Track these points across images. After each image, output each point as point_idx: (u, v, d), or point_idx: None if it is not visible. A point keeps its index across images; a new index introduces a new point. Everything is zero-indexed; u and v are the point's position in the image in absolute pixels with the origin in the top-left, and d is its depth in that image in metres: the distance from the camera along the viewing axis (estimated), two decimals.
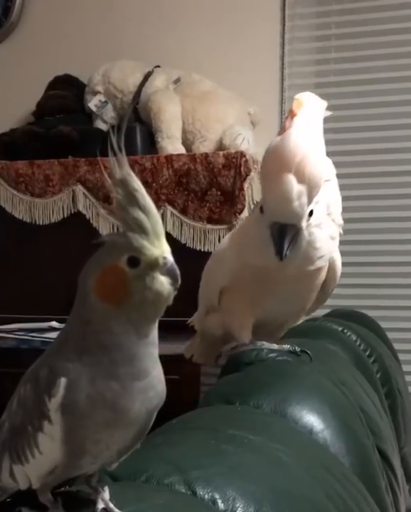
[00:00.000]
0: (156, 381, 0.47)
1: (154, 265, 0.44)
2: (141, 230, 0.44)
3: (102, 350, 0.45)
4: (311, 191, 0.86)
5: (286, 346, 1.02)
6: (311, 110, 0.90)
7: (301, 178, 0.85)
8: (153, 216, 0.45)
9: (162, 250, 0.44)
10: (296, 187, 0.85)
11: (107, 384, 0.44)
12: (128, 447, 0.49)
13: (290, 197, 0.85)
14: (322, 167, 0.88)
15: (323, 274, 1.00)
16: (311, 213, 0.89)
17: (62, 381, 0.45)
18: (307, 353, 1.02)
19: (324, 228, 0.93)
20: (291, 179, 0.85)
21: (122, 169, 0.45)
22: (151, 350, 0.46)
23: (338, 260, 1.03)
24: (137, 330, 0.45)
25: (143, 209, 0.45)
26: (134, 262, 0.43)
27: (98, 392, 0.44)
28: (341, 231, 1.01)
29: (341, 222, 1.00)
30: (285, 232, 0.87)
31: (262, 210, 0.90)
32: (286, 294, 0.98)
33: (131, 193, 0.45)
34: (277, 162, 0.86)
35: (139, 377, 0.45)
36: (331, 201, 0.96)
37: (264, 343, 1.01)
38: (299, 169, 0.85)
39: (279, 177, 0.85)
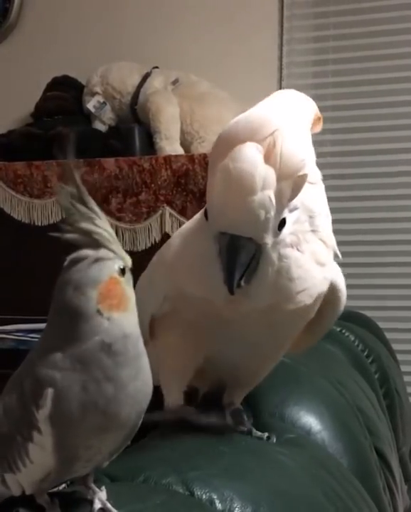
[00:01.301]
0: (147, 378, 0.48)
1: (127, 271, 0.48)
2: (114, 241, 0.47)
3: (108, 355, 0.45)
4: (284, 184, 0.57)
5: (219, 420, 0.70)
6: (293, 97, 0.64)
7: (269, 157, 0.56)
8: (109, 225, 0.48)
9: (128, 257, 0.48)
10: (259, 169, 0.56)
11: (100, 388, 0.44)
12: (119, 448, 0.49)
13: (248, 186, 0.56)
14: (304, 150, 0.59)
15: (310, 312, 0.68)
16: (283, 223, 0.59)
17: (49, 392, 0.45)
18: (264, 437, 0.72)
19: (306, 249, 0.63)
20: (253, 156, 0.56)
21: (78, 187, 0.47)
22: (144, 348, 0.48)
23: (342, 284, 0.71)
24: (138, 328, 0.47)
25: (104, 220, 0.47)
26: (123, 270, 0.47)
27: (91, 399, 0.44)
28: (338, 253, 0.70)
29: (333, 243, 0.69)
30: (238, 250, 0.58)
31: (206, 215, 0.62)
32: (249, 338, 0.66)
33: (92, 208, 0.47)
34: (232, 135, 0.58)
35: (136, 377, 0.46)
36: (316, 212, 0.65)
37: (193, 415, 0.69)
38: (269, 144, 0.57)
39: (234, 154, 0.57)
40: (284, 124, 0.58)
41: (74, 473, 0.49)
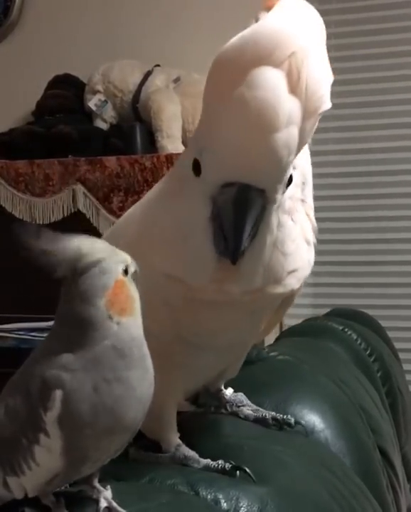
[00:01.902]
0: (151, 379, 0.48)
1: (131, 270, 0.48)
2: (102, 248, 0.47)
3: (118, 357, 0.45)
4: (307, 122, 0.47)
5: (220, 462, 0.60)
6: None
7: (293, 86, 0.45)
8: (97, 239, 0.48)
9: (127, 255, 0.48)
10: (284, 100, 0.44)
11: (111, 389, 0.45)
12: (124, 445, 0.49)
13: (271, 120, 0.44)
14: (328, 80, 0.48)
15: (293, 298, 0.61)
16: (290, 180, 0.49)
17: (58, 394, 0.44)
18: (244, 470, 0.60)
19: (298, 221, 0.54)
20: (277, 83, 0.44)
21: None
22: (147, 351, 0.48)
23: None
24: (142, 330, 0.47)
25: (87, 239, 0.47)
26: (125, 271, 0.47)
27: (101, 400, 0.44)
28: (315, 235, 0.59)
29: (315, 224, 0.60)
30: (249, 204, 0.46)
31: (198, 168, 0.49)
32: (233, 333, 0.58)
33: (55, 236, 0.46)
34: (238, 57, 0.46)
35: (144, 378, 0.46)
36: (308, 179, 0.57)
37: (191, 458, 0.60)
38: (291, 70, 0.45)
39: (251, 81, 0.44)
40: (306, 44, 0.45)
41: (81, 474, 0.49)
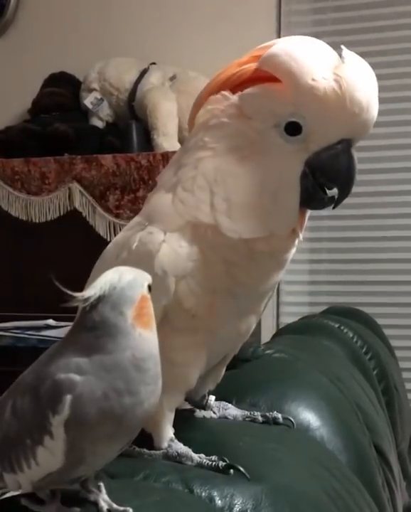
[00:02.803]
0: (157, 397, 0.49)
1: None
2: (128, 271, 0.50)
3: (135, 370, 0.46)
4: None
5: (213, 459, 0.62)
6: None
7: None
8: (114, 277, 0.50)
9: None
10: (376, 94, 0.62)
11: (121, 399, 0.45)
12: (119, 451, 0.49)
13: (375, 83, 0.61)
14: None
15: None
16: None
17: (68, 398, 0.45)
18: (238, 469, 0.61)
19: None
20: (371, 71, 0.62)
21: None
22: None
23: None
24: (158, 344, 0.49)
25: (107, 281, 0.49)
26: (149, 288, 0.50)
27: (109, 407, 0.45)
28: None
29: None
30: (354, 157, 0.61)
31: (294, 130, 0.59)
32: (262, 285, 0.66)
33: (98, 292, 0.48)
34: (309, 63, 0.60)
35: (151, 395, 0.47)
36: None
37: (184, 455, 0.63)
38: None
39: (349, 58, 0.60)
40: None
41: (74, 475, 0.49)
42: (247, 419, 0.76)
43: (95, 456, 0.47)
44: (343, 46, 0.61)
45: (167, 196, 0.64)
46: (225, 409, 0.77)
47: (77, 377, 0.45)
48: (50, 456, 0.46)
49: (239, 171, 0.60)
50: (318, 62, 0.60)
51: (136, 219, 0.68)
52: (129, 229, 0.68)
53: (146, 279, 0.50)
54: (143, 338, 0.47)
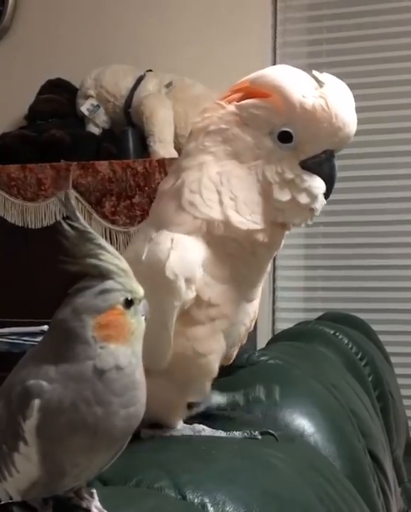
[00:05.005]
0: (140, 406, 0.47)
1: (139, 302, 0.48)
2: (124, 273, 0.47)
3: (99, 380, 0.45)
4: None
5: (237, 433, 0.73)
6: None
7: None
8: (121, 257, 0.48)
9: (139, 288, 0.48)
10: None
11: (90, 409, 0.44)
12: (108, 463, 0.49)
13: (354, 120, 0.70)
14: None
15: None
16: None
17: (36, 402, 0.44)
18: (271, 434, 0.74)
19: None
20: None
21: (80, 224, 0.47)
22: (143, 376, 0.48)
23: None
24: (138, 359, 0.47)
25: (114, 254, 0.47)
26: (128, 303, 0.47)
27: (80, 417, 0.44)
28: None
29: None
30: (335, 164, 0.70)
31: (285, 138, 0.67)
32: (262, 274, 0.74)
33: (97, 244, 0.47)
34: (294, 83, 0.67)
35: (127, 405, 0.46)
36: None
37: (205, 428, 0.73)
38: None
39: (329, 81, 0.68)
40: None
41: (65, 487, 0.49)
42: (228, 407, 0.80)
43: (78, 468, 0.47)
44: (314, 71, 0.68)
45: (173, 201, 0.69)
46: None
47: (45, 384, 0.45)
48: (27, 463, 0.46)
49: (240, 172, 0.68)
50: (304, 82, 0.67)
51: (142, 229, 0.73)
52: (134, 242, 0.73)
53: (125, 290, 0.47)
54: (107, 350, 0.45)
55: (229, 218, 0.67)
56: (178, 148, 2.02)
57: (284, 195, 0.67)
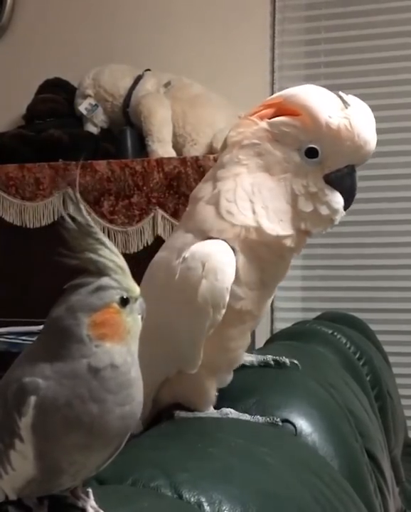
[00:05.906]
0: (136, 405, 0.47)
1: (135, 301, 0.48)
2: (121, 271, 0.47)
3: (94, 378, 0.45)
4: None
5: (261, 418, 0.81)
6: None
7: None
8: (120, 255, 0.48)
9: (136, 286, 0.48)
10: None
11: (85, 407, 0.44)
12: (105, 462, 0.49)
13: (374, 138, 0.76)
14: None
15: None
16: None
17: (32, 400, 0.45)
18: (290, 422, 0.83)
19: None
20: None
21: (83, 218, 0.47)
22: (139, 374, 0.48)
23: None
24: (133, 358, 0.47)
25: (112, 250, 0.47)
26: (124, 301, 0.47)
27: (75, 415, 0.44)
28: None
29: None
30: (356, 177, 0.79)
31: (313, 154, 0.75)
32: (282, 276, 0.82)
33: (97, 239, 0.47)
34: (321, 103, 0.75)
35: (122, 404, 0.46)
36: None
37: (232, 411, 0.81)
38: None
39: (353, 102, 0.75)
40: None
41: (61, 486, 0.49)
42: (261, 364, 0.94)
43: (74, 466, 0.47)
44: (340, 92, 0.75)
45: (210, 207, 0.77)
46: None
47: (41, 381, 0.45)
48: (23, 460, 0.46)
49: (271, 184, 0.75)
50: (331, 103, 0.74)
51: (178, 235, 0.80)
52: (171, 248, 0.79)
53: (121, 289, 0.47)
54: (102, 349, 0.45)
55: (261, 225, 0.74)
56: (176, 147, 2.02)
57: (308, 206, 0.75)
